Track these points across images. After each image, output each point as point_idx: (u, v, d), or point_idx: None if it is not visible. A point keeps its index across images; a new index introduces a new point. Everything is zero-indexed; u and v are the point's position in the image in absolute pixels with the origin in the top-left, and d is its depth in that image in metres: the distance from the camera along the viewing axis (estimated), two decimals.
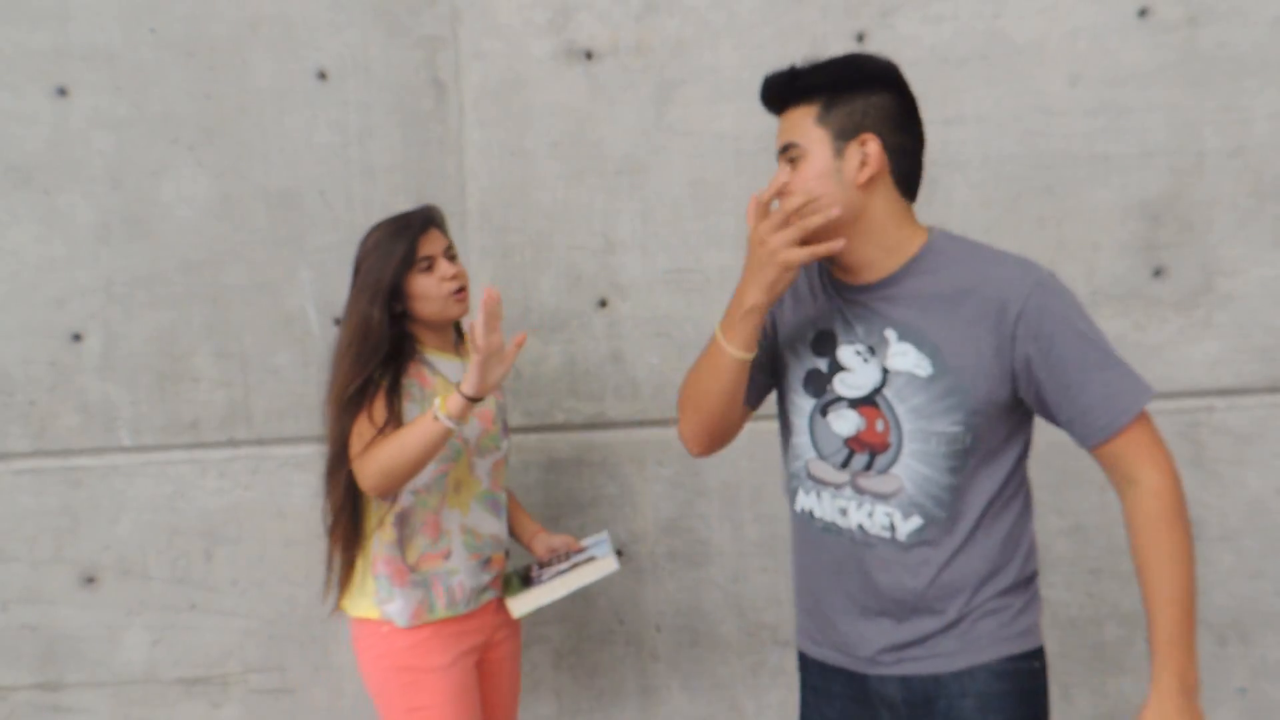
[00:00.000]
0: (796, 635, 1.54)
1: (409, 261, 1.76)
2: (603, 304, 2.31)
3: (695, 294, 2.29)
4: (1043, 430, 2.25)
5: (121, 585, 2.35)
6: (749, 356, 1.37)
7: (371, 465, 1.67)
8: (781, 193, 1.34)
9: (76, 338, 2.31)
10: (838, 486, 1.40)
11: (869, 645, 1.40)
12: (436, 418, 1.63)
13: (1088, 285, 2.23)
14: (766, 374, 1.52)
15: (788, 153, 1.36)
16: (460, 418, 1.64)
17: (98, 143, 2.28)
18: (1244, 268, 2.21)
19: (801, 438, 1.44)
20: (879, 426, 1.35)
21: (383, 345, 1.74)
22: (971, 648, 1.36)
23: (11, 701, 2.36)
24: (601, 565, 1.85)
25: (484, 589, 1.87)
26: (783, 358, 1.48)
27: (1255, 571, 2.24)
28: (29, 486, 2.33)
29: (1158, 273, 2.23)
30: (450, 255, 1.83)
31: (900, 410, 1.34)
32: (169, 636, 2.36)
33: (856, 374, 1.37)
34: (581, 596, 2.33)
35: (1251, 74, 2.17)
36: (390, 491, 1.72)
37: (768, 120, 2.25)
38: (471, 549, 1.85)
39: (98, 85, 2.27)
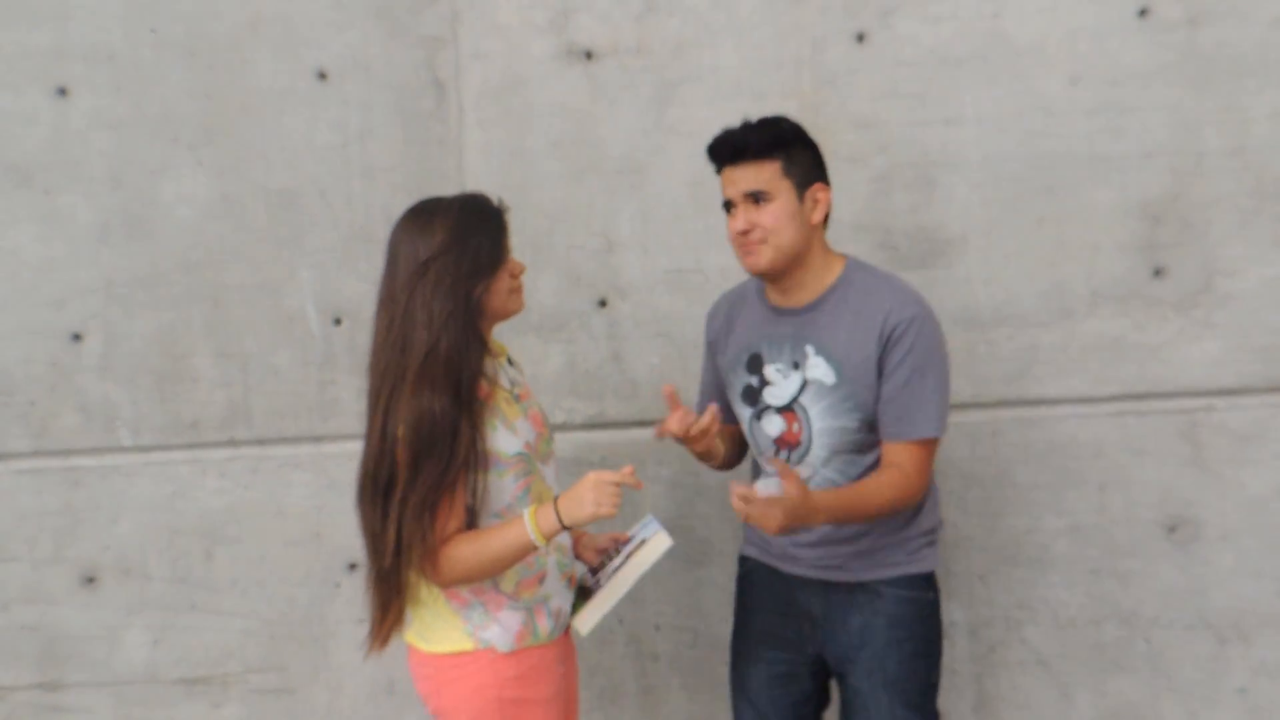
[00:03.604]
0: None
1: (501, 260, 1.60)
2: (603, 304, 2.31)
3: (695, 294, 2.28)
4: (1042, 431, 2.26)
5: (121, 585, 2.35)
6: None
7: (456, 570, 1.56)
8: (745, 230, 1.68)
9: (76, 338, 2.31)
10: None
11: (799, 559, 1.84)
12: (535, 545, 1.55)
13: (1088, 285, 2.23)
14: (723, 394, 1.89)
15: (755, 197, 1.68)
16: (550, 536, 1.56)
17: (98, 143, 2.28)
18: (1244, 268, 2.21)
19: (749, 439, 1.86)
20: (795, 428, 1.74)
21: (477, 366, 1.56)
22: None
23: (11, 701, 2.36)
24: (654, 546, 1.69)
25: (569, 611, 1.74)
26: (726, 378, 1.85)
27: (1255, 571, 2.24)
28: (29, 486, 2.33)
29: (1158, 273, 2.23)
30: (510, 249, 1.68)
31: (813, 412, 1.72)
32: (169, 636, 2.36)
33: (778, 387, 1.75)
34: None
35: (1251, 74, 2.17)
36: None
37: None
38: (562, 568, 1.72)
39: (98, 85, 2.27)
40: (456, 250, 1.54)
